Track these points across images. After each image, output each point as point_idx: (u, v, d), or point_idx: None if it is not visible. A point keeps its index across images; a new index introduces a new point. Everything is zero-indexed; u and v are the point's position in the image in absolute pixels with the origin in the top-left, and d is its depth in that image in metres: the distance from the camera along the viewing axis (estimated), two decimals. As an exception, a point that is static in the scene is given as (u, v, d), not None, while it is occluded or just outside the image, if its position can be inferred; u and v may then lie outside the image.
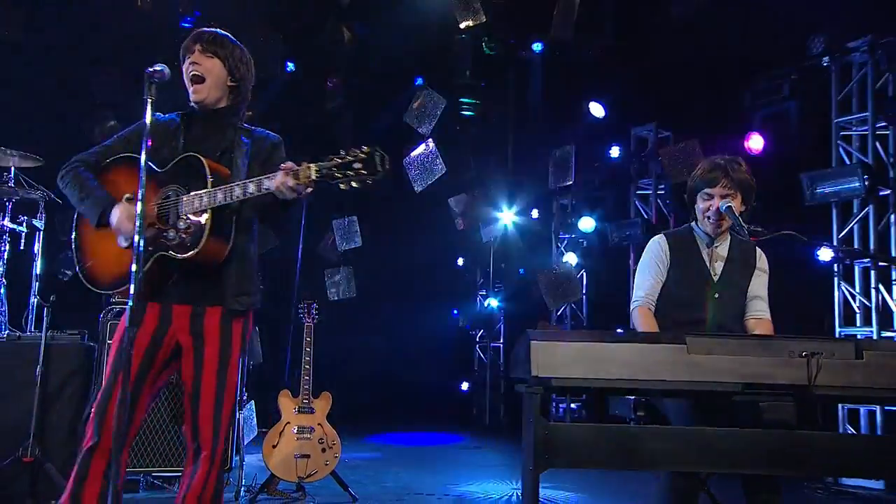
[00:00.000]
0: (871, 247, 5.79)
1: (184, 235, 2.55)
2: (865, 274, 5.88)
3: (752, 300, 3.10)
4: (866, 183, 5.67)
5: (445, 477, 5.85)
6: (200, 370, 2.64)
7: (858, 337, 5.73)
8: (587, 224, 8.60)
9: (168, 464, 4.46)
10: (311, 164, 2.39)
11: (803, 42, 6.15)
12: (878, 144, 5.89)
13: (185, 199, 2.57)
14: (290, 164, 2.44)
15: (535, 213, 9.84)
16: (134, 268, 2.26)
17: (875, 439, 3.76)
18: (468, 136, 9.23)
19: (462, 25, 6.63)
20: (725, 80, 6.67)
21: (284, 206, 2.58)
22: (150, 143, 2.57)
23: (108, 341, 4.46)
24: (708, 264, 3.07)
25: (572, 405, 8.43)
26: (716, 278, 3.06)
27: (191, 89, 2.70)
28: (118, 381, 2.49)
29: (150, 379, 2.65)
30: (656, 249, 3.12)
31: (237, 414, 4.59)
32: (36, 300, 5.00)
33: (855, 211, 5.97)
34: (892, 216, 5.75)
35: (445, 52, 8.61)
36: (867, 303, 5.81)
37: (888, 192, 5.80)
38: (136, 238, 2.28)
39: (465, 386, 10.74)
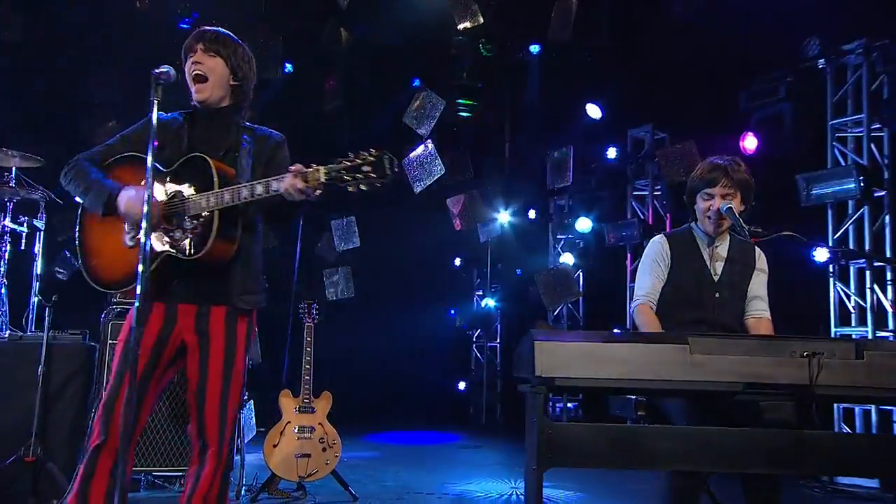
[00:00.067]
0: (867, 248, 5.84)
1: (191, 236, 2.55)
2: (860, 274, 5.93)
3: (752, 300, 3.13)
4: (861, 184, 5.72)
5: (444, 476, 5.87)
6: (206, 368, 2.66)
7: (854, 336, 5.78)
8: (584, 224, 8.65)
9: (169, 463, 4.49)
10: (321, 167, 2.41)
11: (799, 44, 6.18)
12: (872, 146, 5.94)
13: (191, 199, 2.57)
14: (298, 166, 2.45)
15: (531, 214, 9.89)
16: (140, 268, 2.26)
17: (873, 438, 3.80)
18: (465, 137, 9.26)
19: (460, 27, 6.66)
20: (721, 81, 6.71)
21: (292, 207, 2.59)
22: (157, 144, 2.62)
23: (110, 341, 4.48)
24: (708, 264, 3.11)
25: (569, 405, 8.48)
26: (716, 278, 3.09)
27: (193, 88, 2.71)
28: (125, 380, 2.53)
29: (155, 378, 2.66)
30: (657, 249, 3.15)
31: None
32: (36, 300, 5.02)
33: (850, 212, 6.01)
34: (888, 217, 5.80)
35: (443, 54, 8.65)
36: (862, 303, 5.86)
37: (883, 193, 5.85)
38: (143, 238, 2.28)
39: (462, 385, 10.77)
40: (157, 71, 2.41)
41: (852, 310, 5.95)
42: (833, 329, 5.98)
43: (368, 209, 7.93)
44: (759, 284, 3.14)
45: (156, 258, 2.55)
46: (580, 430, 2.27)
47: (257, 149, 2.80)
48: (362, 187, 2.37)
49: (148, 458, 4.40)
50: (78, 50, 7.06)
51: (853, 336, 5.82)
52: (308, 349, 4.77)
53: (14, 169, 4.82)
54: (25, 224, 4.94)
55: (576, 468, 2.31)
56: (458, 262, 11.08)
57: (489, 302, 10.39)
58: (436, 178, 6.29)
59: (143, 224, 2.29)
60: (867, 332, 5.73)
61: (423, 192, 7.05)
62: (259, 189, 2.49)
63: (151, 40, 6.80)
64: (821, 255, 5.78)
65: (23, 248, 4.98)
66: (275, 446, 4.53)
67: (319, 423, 4.65)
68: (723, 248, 3.15)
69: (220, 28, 2.80)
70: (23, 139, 4.79)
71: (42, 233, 5.07)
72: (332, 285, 7.76)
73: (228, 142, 2.77)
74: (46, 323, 4.30)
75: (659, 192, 8.12)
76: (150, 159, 2.37)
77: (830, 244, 5.98)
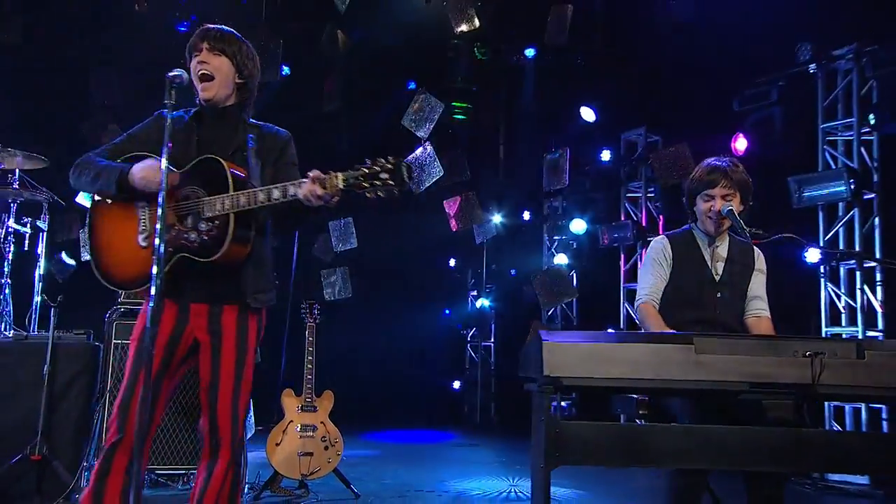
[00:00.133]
0: (856, 249, 5.96)
1: (205, 238, 2.56)
2: (851, 275, 6.05)
3: (753, 300, 3.20)
4: (852, 187, 5.84)
5: (442, 474, 5.93)
6: (218, 366, 2.68)
7: (844, 336, 5.89)
8: (579, 226, 8.75)
9: (171, 461, 4.53)
10: (339, 174, 2.44)
11: (791, 49, 6.30)
12: (862, 150, 6.06)
13: (206, 201, 2.57)
14: (316, 172, 2.47)
15: (526, 215, 9.98)
16: (155, 269, 2.27)
17: (869, 436, 3.89)
18: (461, 139, 9.34)
19: (458, 31, 6.74)
20: (714, 85, 6.80)
21: (308, 212, 2.61)
22: (160, 144, 2.57)
23: (115, 341, 4.52)
24: (710, 264, 3.18)
25: (562, 403, 8.56)
26: (717, 278, 3.16)
27: (199, 87, 2.70)
28: (139, 378, 2.56)
29: (168, 375, 2.70)
30: (659, 250, 3.22)
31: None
32: (39, 300, 5.05)
33: (840, 214, 6.13)
34: (877, 219, 5.92)
35: (438, 58, 8.73)
36: (853, 303, 5.98)
37: (872, 196, 5.97)
38: (157, 240, 2.29)
39: (456, 384, 10.85)
40: (170, 74, 2.43)
41: (842, 310, 6.07)
42: (824, 329, 6.10)
43: (366, 210, 8.00)
44: (758, 284, 3.21)
45: (170, 259, 2.54)
46: (587, 429, 2.30)
47: (265, 147, 2.81)
48: (380, 194, 2.41)
49: (151, 456, 4.43)
50: (78, 50, 7.08)
51: (843, 335, 5.94)
52: (310, 349, 4.81)
53: (17, 171, 4.87)
54: (29, 225, 4.97)
55: (576, 466, 2.35)
56: (452, 262, 11.16)
57: (483, 302, 10.47)
58: (435, 179, 6.38)
59: (158, 226, 2.30)
60: (857, 331, 5.85)
61: (420, 193, 7.12)
62: (276, 193, 2.51)
63: (150, 42, 6.85)
64: (812, 255, 5.89)
65: (26, 248, 5.01)
66: (277, 445, 4.58)
67: (321, 422, 4.69)
68: (723, 249, 3.21)
69: (223, 26, 2.78)
70: (24, 140, 4.81)
71: (45, 234, 5.11)
72: (329, 286, 7.81)
73: (236, 141, 2.76)
74: (52, 323, 4.33)
75: (652, 194, 8.22)
76: (164, 162, 2.39)
77: (821, 245, 6.09)
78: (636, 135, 8.35)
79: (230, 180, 2.56)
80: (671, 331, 2.84)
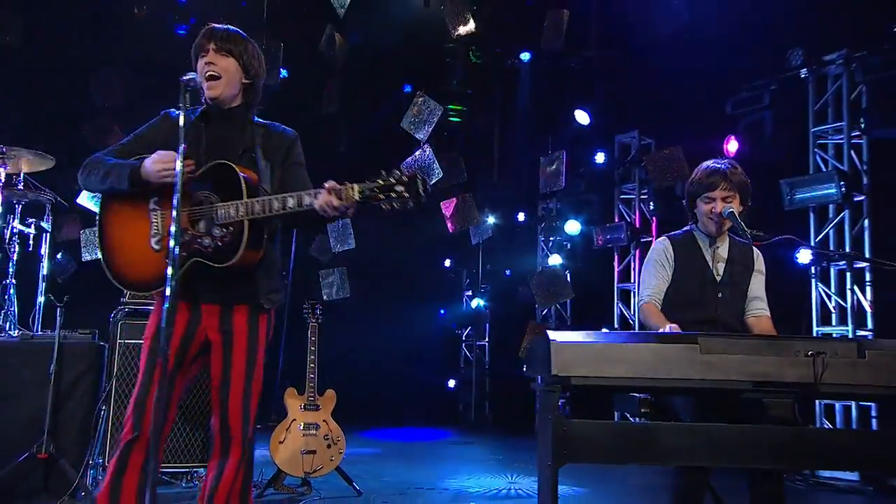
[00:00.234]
0: (846, 250, 6.08)
1: (219, 243, 2.58)
2: (841, 276, 6.16)
3: (753, 300, 3.27)
4: (842, 189, 5.96)
5: (440, 471, 5.99)
6: (229, 365, 2.71)
7: (834, 335, 6.01)
8: (573, 227, 8.86)
9: (175, 460, 4.57)
10: (354, 185, 2.47)
11: (783, 55, 6.42)
12: (852, 153, 6.18)
13: (220, 207, 2.58)
14: (332, 183, 2.49)
15: (521, 217, 10.08)
16: (170, 271, 2.28)
17: (865, 434, 3.96)
18: (457, 141, 9.43)
19: (455, 35, 6.81)
20: (707, 89, 6.90)
21: (323, 221, 2.65)
22: (170, 142, 2.58)
23: (119, 340, 4.56)
24: (711, 265, 3.24)
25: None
26: (718, 278, 3.22)
27: (205, 85, 2.70)
28: (154, 377, 2.58)
29: (181, 374, 2.73)
30: (661, 251, 3.28)
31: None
32: (43, 300, 5.09)
33: (831, 216, 6.25)
34: (866, 221, 6.04)
35: (434, 61, 8.81)
36: (843, 303, 6.10)
37: (862, 198, 6.09)
38: (172, 242, 2.30)
39: (451, 383, 10.93)
40: (185, 78, 2.44)
41: (833, 310, 6.19)
42: (815, 328, 6.21)
43: (365, 211, 8.04)
44: (758, 285, 3.28)
45: (183, 263, 2.56)
46: (594, 428, 2.32)
47: (272, 147, 2.82)
48: (395, 206, 2.44)
49: (155, 454, 4.48)
50: (78, 51, 7.10)
51: (833, 335, 6.05)
52: (312, 348, 4.86)
53: (22, 173, 4.90)
54: (33, 226, 5.01)
55: (579, 464, 2.37)
56: (448, 262, 11.25)
57: (479, 302, 10.56)
58: (433, 181, 6.45)
59: (172, 228, 2.31)
60: (847, 331, 5.97)
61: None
62: (291, 202, 2.53)
63: (150, 44, 6.89)
64: (804, 256, 6.01)
65: (30, 248, 5.05)
66: (281, 443, 4.63)
67: (324, 421, 4.75)
68: (723, 250, 3.28)
69: (229, 26, 2.79)
70: (25, 141, 4.84)
71: (48, 234, 5.15)
72: (327, 286, 7.87)
73: (244, 141, 2.78)
74: (58, 322, 4.37)
75: (645, 196, 8.33)
76: (179, 164, 2.38)
77: (813, 245, 6.21)
78: (630, 137, 8.45)
79: (243, 185, 2.58)
80: (677, 330, 2.89)
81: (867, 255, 5.90)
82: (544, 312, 9.32)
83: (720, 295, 3.21)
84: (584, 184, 8.96)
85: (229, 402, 2.72)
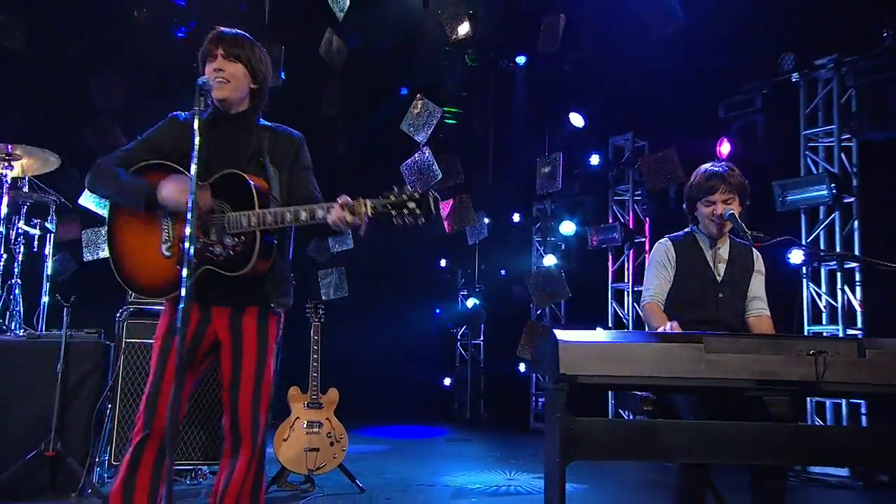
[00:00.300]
0: (838, 250, 6.20)
1: (231, 252, 2.61)
2: (831, 276, 6.29)
3: (753, 300, 3.36)
4: (833, 191, 6.08)
5: (440, 468, 6.06)
6: (239, 365, 2.75)
7: (825, 334, 6.13)
8: (568, 228, 8.96)
9: (180, 457, 4.60)
10: (367, 201, 2.50)
11: (774, 59, 6.54)
12: (842, 155, 6.30)
13: (232, 216, 2.61)
14: (345, 198, 2.52)
15: (516, 217, 10.18)
16: (185, 272, 2.30)
17: (864, 431, 4.04)
18: (453, 143, 9.51)
19: (453, 38, 6.90)
20: (701, 93, 7.01)
21: (333, 233, 2.70)
22: (179, 146, 2.65)
23: (125, 340, 4.61)
24: (712, 266, 3.32)
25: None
26: (719, 279, 3.31)
27: (213, 86, 2.69)
28: (165, 376, 2.64)
29: (191, 372, 2.77)
30: (662, 252, 3.36)
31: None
32: (47, 300, 5.14)
33: (821, 217, 6.37)
34: (856, 222, 6.16)
35: (430, 64, 8.88)
36: (833, 302, 6.22)
37: (852, 200, 6.20)
38: (187, 244, 2.33)
39: (447, 381, 11.02)
40: (201, 81, 2.48)
41: (823, 309, 6.31)
42: (806, 327, 6.33)
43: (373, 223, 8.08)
44: (758, 285, 3.38)
45: (196, 270, 2.54)
46: (601, 425, 2.40)
47: (279, 150, 2.83)
48: (406, 221, 2.49)
49: (161, 452, 4.53)
50: (79, 52, 7.13)
51: (824, 334, 6.17)
52: (315, 347, 4.94)
53: (27, 176, 4.95)
54: (38, 227, 5.06)
55: (579, 461, 2.39)
56: (443, 262, 11.34)
57: (474, 301, 10.65)
58: (433, 183, 6.52)
59: (187, 230, 2.33)
60: (838, 329, 6.09)
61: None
62: (303, 215, 2.56)
63: (151, 46, 6.93)
64: (795, 257, 6.13)
65: (35, 249, 5.10)
66: (284, 440, 4.69)
67: (327, 419, 4.81)
68: (724, 251, 3.37)
69: (236, 29, 2.80)
70: (27, 142, 4.89)
71: (53, 235, 5.20)
72: (325, 286, 7.94)
73: (252, 145, 2.79)
74: (65, 322, 4.41)
75: (639, 198, 8.44)
76: (193, 168, 2.39)
77: (804, 246, 6.33)
78: (624, 140, 8.56)
79: (254, 195, 2.61)
80: (677, 329, 2.96)
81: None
82: (538, 312, 9.42)
83: (721, 295, 3.28)
84: (579, 185, 9.06)
85: (239, 403, 2.75)
